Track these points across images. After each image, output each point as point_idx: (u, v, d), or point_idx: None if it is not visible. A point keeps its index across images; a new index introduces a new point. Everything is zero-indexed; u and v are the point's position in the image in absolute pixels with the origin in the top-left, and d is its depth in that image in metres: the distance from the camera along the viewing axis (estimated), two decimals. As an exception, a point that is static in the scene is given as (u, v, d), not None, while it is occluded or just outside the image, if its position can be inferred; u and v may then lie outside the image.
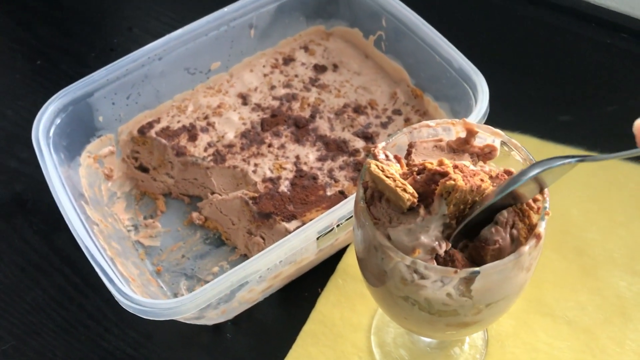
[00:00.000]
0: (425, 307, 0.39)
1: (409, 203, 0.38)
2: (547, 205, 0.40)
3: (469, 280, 0.37)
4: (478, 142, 0.43)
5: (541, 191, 0.40)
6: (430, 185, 0.39)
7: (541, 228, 0.39)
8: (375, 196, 0.41)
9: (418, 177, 0.40)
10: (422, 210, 0.39)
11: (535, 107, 0.73)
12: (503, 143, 0.43)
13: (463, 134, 0.43)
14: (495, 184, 0.40)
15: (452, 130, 0.44)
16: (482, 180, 0.40)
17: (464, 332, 0.46)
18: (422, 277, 0.37)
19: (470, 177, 0.39)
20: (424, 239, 0.38)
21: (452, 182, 0.38)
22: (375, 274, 0.40)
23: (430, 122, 0.43)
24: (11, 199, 0.69)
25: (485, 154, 0.44)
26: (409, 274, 0.37)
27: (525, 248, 0.38)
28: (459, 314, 0.39)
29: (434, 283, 0.37)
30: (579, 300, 0.58)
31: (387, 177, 0.39)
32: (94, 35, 0.83)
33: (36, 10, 0.86)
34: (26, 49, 0.82)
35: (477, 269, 0.36)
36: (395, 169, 0.41)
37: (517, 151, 0.43)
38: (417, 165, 0.41)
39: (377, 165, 0.40)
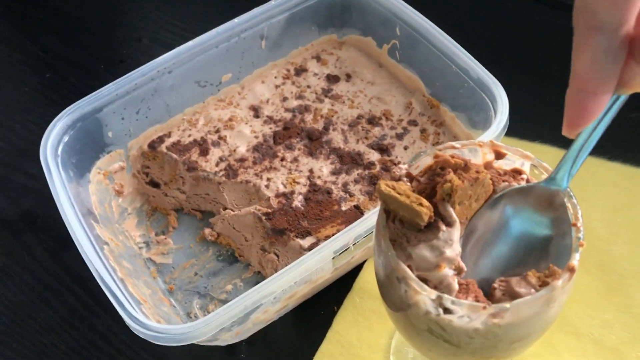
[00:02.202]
0: (450, 339, 0.37)
1: (426, 217, 0.37)
2: (580, 235, 0.37)
3: (497, 316, 0.35)
4: (506, 164, 0.41)
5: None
6: (435, 181, 0.39)
7: (575, 261, 0.37)
8: (389, 217, 0.39)
9: (421, 178, 0.39)
10: (442, 225, 0.37)
11: (555, 115, 0.70)
12: (533, 166, 0.41)
13: (490, 156, 0.41)
14: (504, 179, 0.40)
15: (479, 151, 0.42)
16: (477, 172, 0.39)
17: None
18: (449, 311, 0.35)
19: (465, 171, 0.39)
20: (449, 253, 0.37)
21: (449, 183, 0.37)
22: (397, 304, 0.38)
23: (456, 144, 0.41)
24: (20, 216, 0.68)
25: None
26: (434, 308, 0.36)
27: (559, 282, 0.36)
28: (485, 348, 0.37)
29: (460, 318, 0.35)
30: (604, 318, 0.56)
31: (400, 194, 0.37)
32: (102, 47, 0.82)
33: (44, 22, 0.85)
34: (34, 62, 0.81)
35: (507, 305, 0.35)
36: (406, 187, 0.39)
37: (548, 175, 0.41)
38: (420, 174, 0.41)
39: (387, 185, 0.38)
